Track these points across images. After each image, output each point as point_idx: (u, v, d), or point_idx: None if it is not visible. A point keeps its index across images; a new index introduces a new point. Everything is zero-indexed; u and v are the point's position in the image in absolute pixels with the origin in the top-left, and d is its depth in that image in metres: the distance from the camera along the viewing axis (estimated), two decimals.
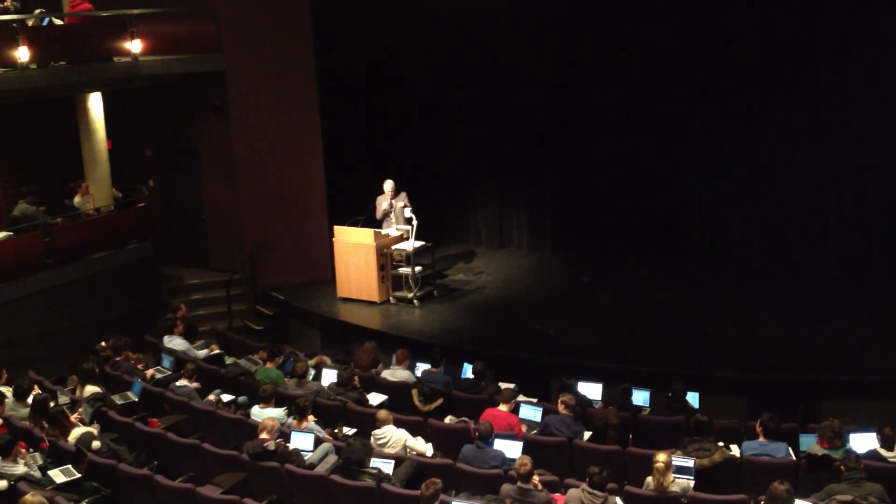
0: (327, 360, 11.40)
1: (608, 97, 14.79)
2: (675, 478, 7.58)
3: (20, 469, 8.05)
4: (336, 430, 9.21)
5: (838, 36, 13.07)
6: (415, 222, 13.49)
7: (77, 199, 13.89)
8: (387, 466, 8.10)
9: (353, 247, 13.58)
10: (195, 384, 10.22)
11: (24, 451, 8.25)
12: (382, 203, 13.84)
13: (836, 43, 13.11)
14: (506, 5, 15.18)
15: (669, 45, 14.13)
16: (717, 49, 13.83)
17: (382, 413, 8.77)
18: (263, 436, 8.39)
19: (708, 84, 14.08)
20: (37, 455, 8.50)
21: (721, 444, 8.22)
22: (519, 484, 7.41)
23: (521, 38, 15.22)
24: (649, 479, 7.58)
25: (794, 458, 8.17)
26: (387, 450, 8.57)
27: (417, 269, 13.59)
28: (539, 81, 15.27)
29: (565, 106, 15.18)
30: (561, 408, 8.94)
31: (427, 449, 8.76)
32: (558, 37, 14.91)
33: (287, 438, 8.72)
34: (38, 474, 8.13)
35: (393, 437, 8.65)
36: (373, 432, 8.72)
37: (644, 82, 14.45)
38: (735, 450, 8.36)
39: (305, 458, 8.43)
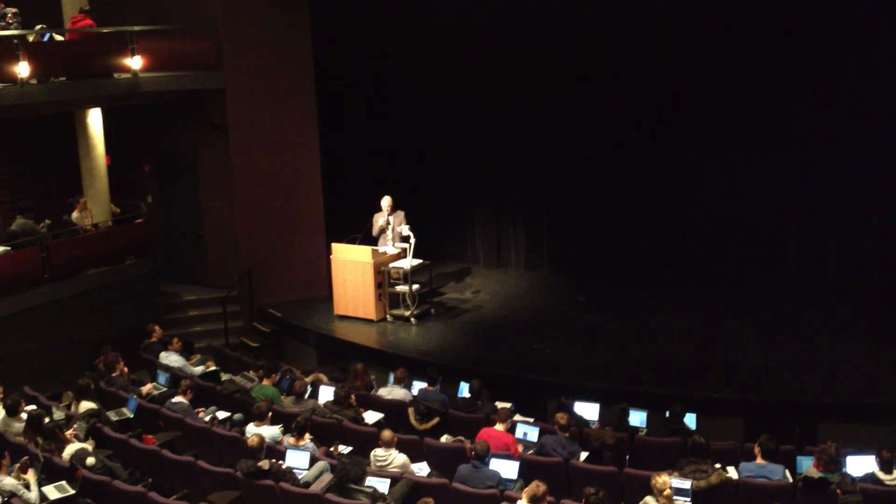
0: (324, 377, 11.38)
1: (608, 117, 14.84)
2: (673, 500, 7.56)
3: (10, 481, 8.00)
4: (332, 449, 9.18)
5: (840, 56, 13.12)
6: (412, 240, 13.50)
7: (75, 215, 13.88)
8: (382, 485, 8.07)
9: (351, 264, 13.58)
10: (188, 396, 10.20)
11: (16, 466, 8.21)
12: (379, 219, 13.86)
13: (836, 66, 13.17)
14: (503, 25, 15.24)
15: (668, 65, 14.19)
16: (716, 71, 13.89)
17: (387, 434, 8.67)
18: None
19: (708, 105, 14.13)
20: (30, 471, 8.45)
21: (718, 465, 8.20)
22: None
23: (520, 58, 15.28)
24: (648, 498, 7.55)
25: (791, 480, 8.15)
26: (388, 469, 8.52)
27: (415, 287, 13.59)
28: (538, 100, 15.31)
29: (564, 125, 15.22)
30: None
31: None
32: (558, 55, 14.96)
33: (282, 456, 8.69)
34: (33, 495, 8.06)
35: (396, 460, 8.60)
36: (374, 452, 8.67)
37: (643, 102, 14.51)
38: (732, 472, 8.34)
39: (300, 476, 8.40)
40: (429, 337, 13.03)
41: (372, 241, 13.85)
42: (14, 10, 12.99)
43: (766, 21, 13.38)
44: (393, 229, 13.79)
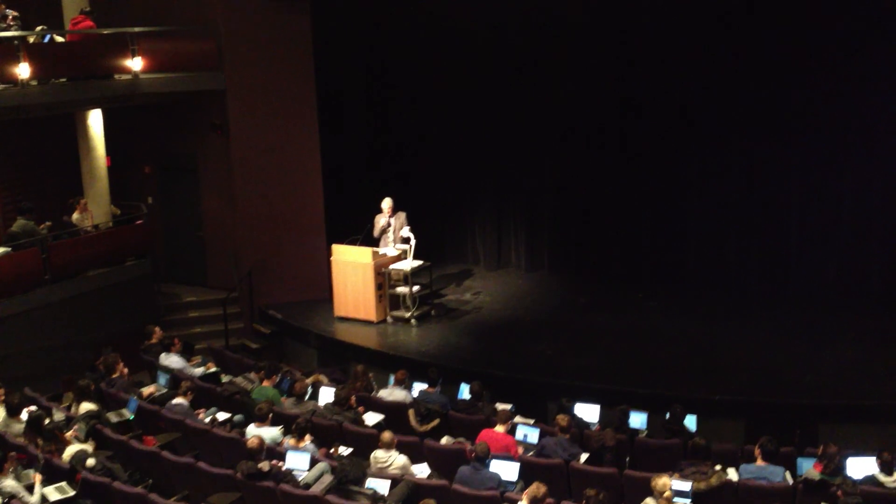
0: (324, 379, 11.37)
1: (609, 119, 14.84)
2: (673, 501, 7.56)
3: (11, 483, 7.99)
4: (332, 450, 9.17)
5: (841, 56, 13.11)
6: (413, 241, 13.50)
7: (75, 216, 13.89)
8: (382, 487, 8.07)
9: (351, 266, 13.57)
10: (188, 398, 10.19)
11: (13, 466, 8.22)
12: (380, 220, 13.85)
13: (838, 67, 13.15)
14: (506, 23, 15.24)
15: (671, 68, 14.18)
16: (718, 72, 13.88)
17: (387, 436, 8.67)
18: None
19: (710, 107, 14.12)
20: (30, 472, 8.47)
21: (718, 467, 8.20)
22: None
23: (521, 60, 15.28)
24: (648, 500, 7.55)
25: (791, 482, 8.15)
26: (389, 471, 8.52)
27: (415, 288, 13.58)
28: (539, 103, 15.30)
29: (565, 127, 15.22)
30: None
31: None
32: (559, 57, 14.97)
33: (282, 458, 8.69)
34: (35, 499, 8.06)
35: (396, 462, 8.60)
36: (375, 454, 8.67)
37: (644, 103, 14.51)
38: (732, 473, 8.34)
39: (300, 477, 8.40)
40: (429, 338, 13.02)
41: (373, 242, 13.84)
42: (15, 13, 13.00)
43: (768, 22, 13.37)
44: (394, 231, 13.79)
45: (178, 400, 10.12)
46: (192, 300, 15.30)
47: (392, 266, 13.58)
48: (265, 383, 10.63)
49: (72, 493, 8.12)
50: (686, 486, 7.83)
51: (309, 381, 10.95)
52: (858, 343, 12.07)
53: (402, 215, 13.84)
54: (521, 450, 9.03)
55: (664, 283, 14.68)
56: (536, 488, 7.36)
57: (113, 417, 9.89)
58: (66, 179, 14.62)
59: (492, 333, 13.20)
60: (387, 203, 13.82)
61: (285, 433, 9.35)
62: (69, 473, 8.33)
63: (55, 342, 12.75)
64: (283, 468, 8.48)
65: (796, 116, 13.65)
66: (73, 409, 9.99)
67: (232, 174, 14.85)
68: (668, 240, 14.86)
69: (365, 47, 15.96)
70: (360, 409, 10.10)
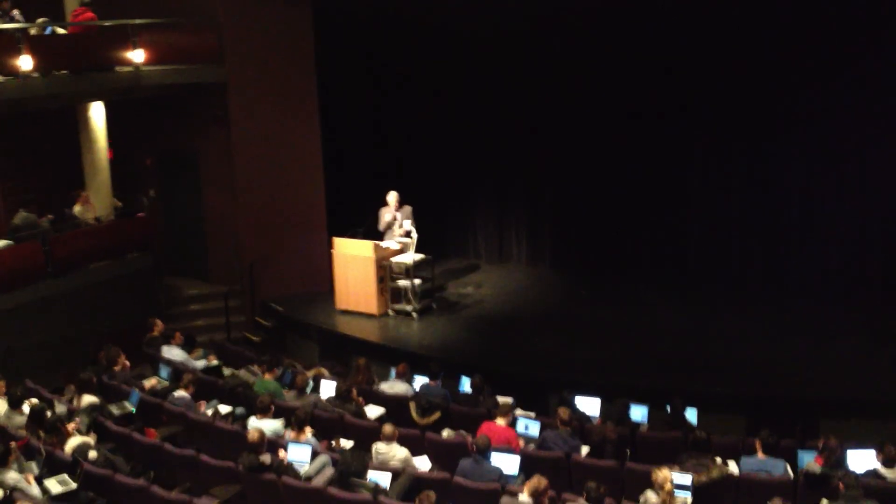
0: (325, 372, 11.39)
1: (610, 113, 14.83)
2: (674, 494, 7.57)
3: (13, 475, 8.01)
4: (333, 443, 9.19)
5: (842, 55, 13.09)
6: (414, 235, 13.50)
7: (77, 209, 13.89)
8: (384, 479, 8.08)
9: (353, 259, 13.58)
10: (189, 391, 10.20)
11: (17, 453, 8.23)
12: (386, 214, 13.83)
13: (839, 65, 13.13)
14: (507, 21, 15.19)
15: (672, 63, 14.17)
16: (720, 69, 13.87)
17: (389, 429, 8.68)
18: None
19: (709, 103, 14.13)
20: (32, 464, 8.48)
21: (719, 460, 8.21)
22: (530, 501, 7.37)
23: (524, 56, 15.27)
24: (648, 492, 7.56)
25: (792, 475, 8.16)
26: (390, 464, 8.53)
27: (417, 282, 13.59)
28: (541, 97, 15.31)
29: (567, 122, 15.22)
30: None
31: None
32: (561, 55, 14.96)
33: (284, 450, 8.70)
34: (35, 490, 8.07)
35: (397, 454, 8.61)
36: (376, 446, 8.68)
37: (645, 99, 14.50)
38: (733, 466, 8.35)
39: (301, 470, 8.41)
40: (430, 332, 13.03)
41: (376, 235, 13.84)
42: (20, 19, 12.99)
43: (768, 22, 13.34)
44: (400, 224, 13.77)
45: (180, 393, 10.13)
46: (194, 293, 15.32)
47: (394, 259, 13.58)
48: (267, 376, 10.63)
49: (74, 485, 8.14)
50: (687, 478, 7.83)
51: (310, 374, 10.97)
52: (859, 337, 12.08)
53: (407, 209, 13.82)
54: (522, 443, 9.04)
55: (665, 277, 14.69)
56: (537, 481, 7.37)
57: (115, 410, 9.90)
58: (67, 172, 14.62)
59: (493, 327, 13.21)
60: (392, 197, 13.80)
61: (286, 426, 9.36)
62: (71, 466, 8.34)
63: (57, 335, 12.75)
64: (285, 461, 8.49)
65: (797, 113, 13.65)
66: (74, 402, 10.00)
67: (233, 167, 14.84)
68: (669, 234, 14.87)
69: (366, 40, 15.94)
70: (362, 401, 10.12)
